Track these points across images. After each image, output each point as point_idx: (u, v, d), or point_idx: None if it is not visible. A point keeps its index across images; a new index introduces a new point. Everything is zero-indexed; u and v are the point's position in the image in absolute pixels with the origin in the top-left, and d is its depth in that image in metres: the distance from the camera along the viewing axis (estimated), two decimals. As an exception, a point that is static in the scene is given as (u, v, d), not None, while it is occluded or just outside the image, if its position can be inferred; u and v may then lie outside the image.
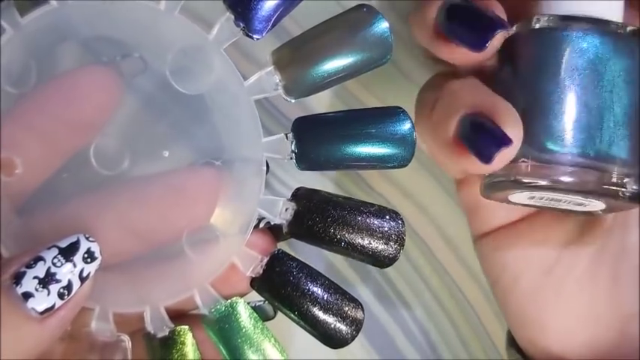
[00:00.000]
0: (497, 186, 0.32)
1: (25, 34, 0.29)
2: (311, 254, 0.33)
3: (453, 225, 0.43)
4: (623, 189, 0.31)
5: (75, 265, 0.27)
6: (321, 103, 0.39)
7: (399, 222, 0.30)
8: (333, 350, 0.38)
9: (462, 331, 0.43)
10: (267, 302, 0.32)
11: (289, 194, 0.31)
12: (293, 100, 0.30)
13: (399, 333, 0.43)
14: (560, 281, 0.35)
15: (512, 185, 0.31)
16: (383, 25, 0.29)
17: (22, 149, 0.29)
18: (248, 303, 0.31)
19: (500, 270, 0.36)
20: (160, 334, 0.30)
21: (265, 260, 0.31)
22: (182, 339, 0.30)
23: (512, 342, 0.37)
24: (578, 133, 0.31)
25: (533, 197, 0.32)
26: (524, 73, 0.32)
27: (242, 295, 0.31)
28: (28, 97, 0.29)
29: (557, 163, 0.31)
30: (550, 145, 0.31)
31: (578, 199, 0.32)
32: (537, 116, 0.31)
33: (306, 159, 0.30)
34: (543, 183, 0.31)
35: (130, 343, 0.31)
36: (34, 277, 0.26)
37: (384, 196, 0.42)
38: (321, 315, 0.30)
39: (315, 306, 0.30)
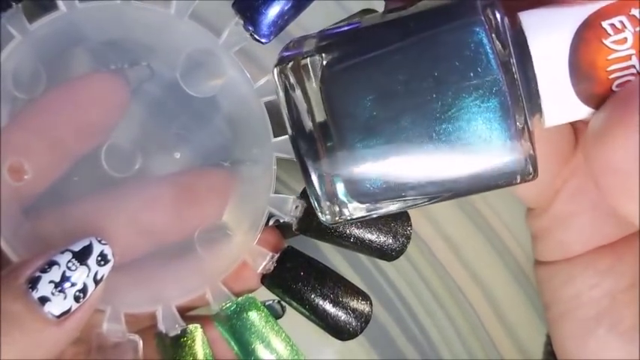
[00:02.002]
0: None
1: (33, 40, 0.31)
2: (310, 254, 0.35)
3: (453, 225, 0.44)
4: None
5: (89, 269, 0.28)
6: None
7: (405, 216, 0.32)
8: (333, 350, 0.40)
9: (462, 331, 0.44)
10: (275, 301, 0.34)
11: (290, 193, 0.33)
12: (301, 101, 0.32)
13: (399, 333, 0.44)
14: (607, 330, 0.34)
15: None
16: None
17: (30, 154, 0.31)
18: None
19: (550, 301, 0.35)
20: (172, 333, 0.32)
21: (276, 257, 0.33)
22: (194, 337, 0.32)
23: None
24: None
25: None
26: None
27: (252, 292, 0.33)
28: (37, 102, 0.31)
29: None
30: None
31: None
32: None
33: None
34: None
35: (141, 342, 0.32)
36: (50, 282, 0.27)
37: None
38: (331, 309, 0.32)
39: (325, 300, 0.32)
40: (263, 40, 0.31)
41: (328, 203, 0.26)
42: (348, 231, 0.32)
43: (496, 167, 0.26)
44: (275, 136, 0.32)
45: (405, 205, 0.26)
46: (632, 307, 0.33)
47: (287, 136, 0.32)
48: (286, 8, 0.31)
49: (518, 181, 0.26)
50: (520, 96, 0.25)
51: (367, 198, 0.26)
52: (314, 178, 0.26)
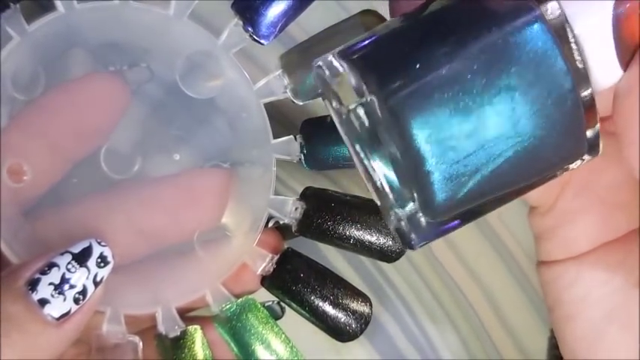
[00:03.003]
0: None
1: (32, 41, 0.31)
2: (310, 255, 0.35)
3: None
4: None
5: (89, 270, 0.29)
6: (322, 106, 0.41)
7: (405, 218, 0.33)
8: (333, 350, 0.40)
9: (462, 331, 0.44)
10: (274, 302, 0.34)
11: (290, 194, 0.33)
12: (301, 103, 0.32)
13: (399, 333, 0.44)
14: (619, 328, 0.33)
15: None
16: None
17: (30, 156, 0.31)
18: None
19: (556, 302, 0.35)
20: (172, 334, 0.32)
21: (276, 258, 0.33)
22: (193, 339, 0.32)
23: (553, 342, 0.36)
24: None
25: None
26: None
27: (252, 293, 0.33)
28: (36, 103, 0.31)
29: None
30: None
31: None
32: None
33: (314, 160, 0.32)
34: None
35: (141, 343, 0.32)
36: (50, 284, 0.28)
37: None
38: (331, 310, 0.33)
39: (325, 301, 0.32)
40: (263, 41, 0.32)
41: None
42: (347, 232, 0.32)
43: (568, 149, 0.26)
44: (274, 138, 0.33)
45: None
46: None
47: (287, 138, 0.32)
48: (286, 9, 0.31)
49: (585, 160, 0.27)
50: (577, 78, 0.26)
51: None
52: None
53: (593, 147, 0.27)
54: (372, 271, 0.44)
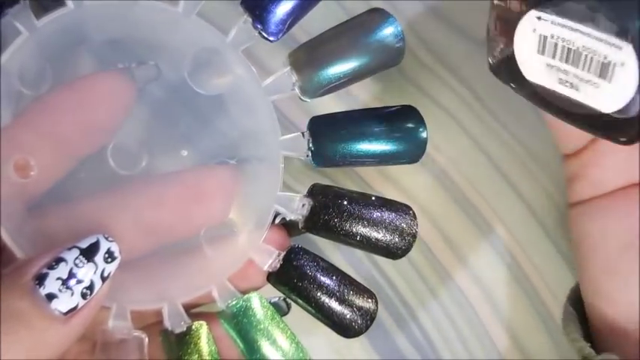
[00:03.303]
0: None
1: (40, 37, 0.31)
2: None
3: (453, 225, 0.44)
4: None
5: (96, 266, 0.29)
6: (326, 106, 0.41)
7: (411, 215, 0.33)
8: (333, 350, 0.40)
9: (462, 331, 0.45)
10: (280, 298, 0.35)
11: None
12: (308, 100, 0.33)
13: (399, 333, 0.44)
14: (635, 258, 0.36)
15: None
16: (395, 28, 0.32)
17: (36, 151, 0.31)
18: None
19: (583, 238, 0.38)
20: (178, 330, 0.33)
21: (282, 255, 0.33)
22: (199, 334, 0.33)
23: (572, 299, 0.39)
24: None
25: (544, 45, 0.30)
26: None
27: (258, 289, 0.34)
28: (43, 99, 0.31)
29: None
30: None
31: (605, 39, 0.28)
32: None
33: (322, 156, 0.33)
34: None
35: (147, 339, 0.32)
36: (57, 278, 0.28)
37: (384, 196, 0.43)
38: (337, 307, 0.33)
39: (331, 298, 0.33)
40: (271, 39, 0.32)
41: None
42: (354, 229, 0.33)
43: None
44: (282, 135, 0.33)
45: None
46: None
47: (294, 134, 0.33)
48: (294, 6, 0.32)
49: None
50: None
51: None
52: None
53: None
54: (372, 271, 0.44)
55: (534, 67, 0.31)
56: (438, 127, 0.43)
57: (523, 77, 0.31)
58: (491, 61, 0.32)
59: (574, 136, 0.36)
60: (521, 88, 0.31)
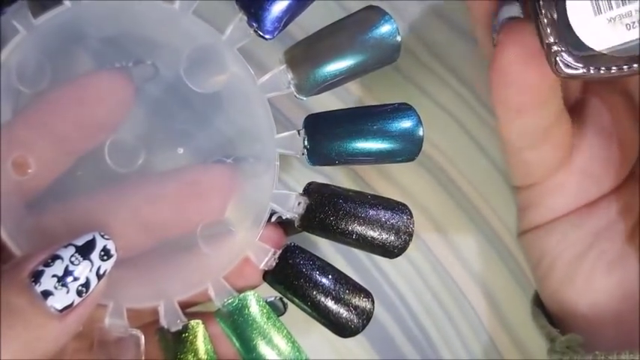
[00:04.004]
0: None
1: (38, 35, 0.31)
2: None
3: (453, 225, 0.44)
4: None
5: (92, 263, 0.29)
6: (322, 104, 0.41)
7: (408, 214, 0.33)
8: (332, 350, 0.40)
9: (462, 331, 0.45)
10: (277, 298, 0.35)
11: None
12: (304, 98, 0.33)
13: (399, 333, 0.44)
14: (592, 264, 0.38)
15: None
16: (391, 25, 0.32)
17: (34, 148, 0.31)
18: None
19: (539, 257, 0.39)
20: (174, 329, 0.33)
21: (278, 253, 0.33)
22: (195, 333, 0.33)
23: (536, 300, 0.41)
24: None
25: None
26: None
27: (254, 288, 0.34)
28: (42, 98, 0.32)
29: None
30: None
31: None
32: None
33: (317, 155, 0.33)
34: None
35: (143, 337, 0.33)
36: (53, 276, 0.28)
37: (381, 194, 0.43)
38: (333, 306, 0.33)
39: (327, 297, 0.33)
40: (267, 37, 0.32)
41: None
42: (350, 228, 0.33)
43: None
44: (278, 133, 0.33)
45: None
46: (614, 242, 0.39)
47: (290, 133, 0.33)
48: (290, 4, 0.32)
49: None
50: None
51: None
52: None
53: None
54: (372, 270, 0.44)
55: (599, 33, 0.30)
56: (436, 126, 0.43)
57: (592, 57, 0.31)
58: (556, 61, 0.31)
59: (532, 171, 0.38)
60: (596, 64, 0.31)
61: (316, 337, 0.36)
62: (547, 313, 0.41)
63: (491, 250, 0.44)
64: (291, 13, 0.32)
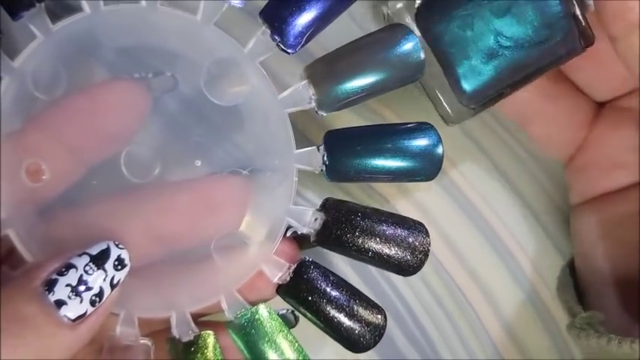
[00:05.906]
0: None
1: (55, 41, 0.31)
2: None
3: (453, 225, 0.45)
4: None
5: (106, 273, 0.29)
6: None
7: (424, 232, 0.33)
8: (332, 350, 0.40)
9: (462, 331, 0.45)
10: (289, 311, 0.35)
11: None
12: (324, 114, 0.33)
13: (399, 333, 0.45)
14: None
15: None
16: (415, 44, 0.32)
17: (49, 156, 0.31)
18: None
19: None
20: (185, 339, 0.33)
21: (293, 268, 0.33)
22: (206, 344, 0.33)
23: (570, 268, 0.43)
24: None
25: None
26: None
27: (267, 301, 0.34)
28: (56, 105, 0.31)
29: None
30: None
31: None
32: None
33: (336, 171, 0.33)
34: None
35: (153, 346, 0.33)
36: (67, 285, 0.28)
37: (384, 197, 0.44)
38: (346, 321, 0.33)
39: (341, 312, 0.33)
40: (290, 51, 0.32)
41: None
42: (366, 245, 0.33)
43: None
44: (297, 148, 0.33)
45: None
46: None
47: (309, 148, 0.33)
48: (314, 19, 0.31)
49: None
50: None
51: None
52: None
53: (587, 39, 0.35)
54: (372, 271, 0.45)
55: None
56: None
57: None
58: None
59: (559, 144, 0.41)
60: None
61: (315, 336, 0.36)
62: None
63: (492, 250, 0.45)
64: (314, 28, 0.32)
